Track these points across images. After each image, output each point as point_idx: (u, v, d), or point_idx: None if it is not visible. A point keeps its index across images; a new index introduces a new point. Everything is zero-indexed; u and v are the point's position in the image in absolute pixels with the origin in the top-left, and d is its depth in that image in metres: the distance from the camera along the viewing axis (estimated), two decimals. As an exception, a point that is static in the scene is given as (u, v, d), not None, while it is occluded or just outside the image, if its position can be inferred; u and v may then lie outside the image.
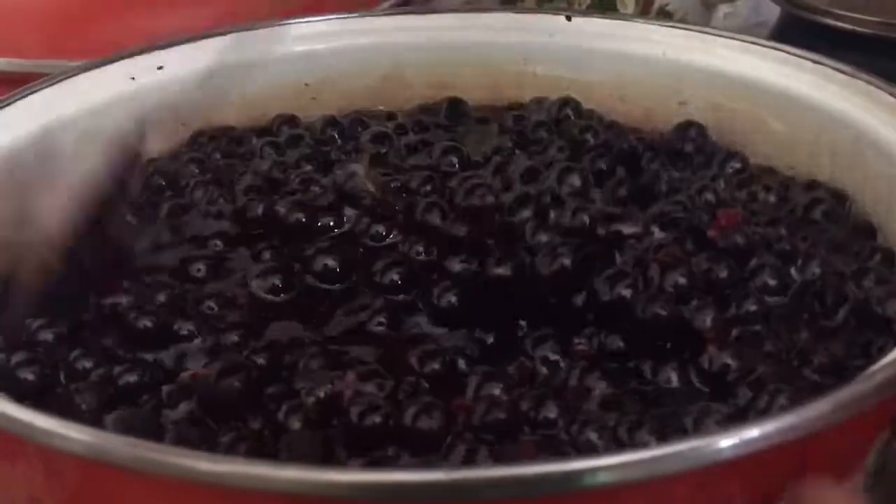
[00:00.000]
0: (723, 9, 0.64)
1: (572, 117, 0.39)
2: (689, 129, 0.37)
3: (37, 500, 0.21)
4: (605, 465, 0.18)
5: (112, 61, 0.38)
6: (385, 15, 0.43)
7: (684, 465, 0.18)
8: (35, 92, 0.35)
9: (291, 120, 0.40)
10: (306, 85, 0.42)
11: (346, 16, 0.42)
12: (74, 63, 0.38)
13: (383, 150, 0.37)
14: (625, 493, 0.18)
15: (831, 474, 0.20)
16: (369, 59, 0.42)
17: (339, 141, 0.39)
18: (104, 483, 0.19)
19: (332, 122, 0.39)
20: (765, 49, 0.36)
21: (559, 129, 0.38)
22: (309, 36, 0.42)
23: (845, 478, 0.21)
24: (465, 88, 0.42)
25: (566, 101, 0.39)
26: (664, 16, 0.57)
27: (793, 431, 0.19)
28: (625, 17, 0.43)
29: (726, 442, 0.18)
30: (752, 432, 0.18)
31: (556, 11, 0.41)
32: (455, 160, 0.35)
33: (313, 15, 0.42)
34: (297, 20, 0.42)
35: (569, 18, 0.40)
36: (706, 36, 0.38)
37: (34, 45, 0.43)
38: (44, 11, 0.45)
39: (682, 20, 0.58)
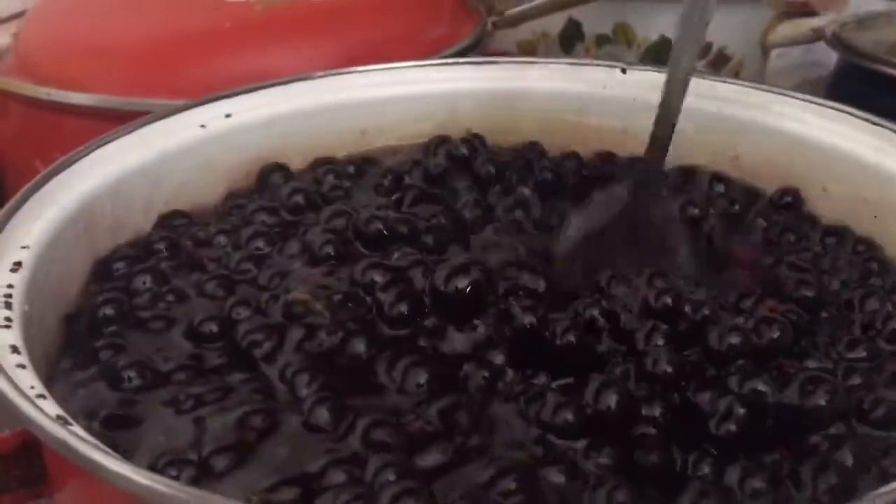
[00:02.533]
0: (777, 49, 0.64)
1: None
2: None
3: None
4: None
5: (183, 109, 0.39)
6: (441, 64, 0.44)
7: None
8: (110, 141, 0.37)
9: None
10: (363, 132, 0.43)
11: (402, 65, 0.44)
12: (162, 101, 0.40)
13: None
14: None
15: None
16: (425, 107, 0.43)
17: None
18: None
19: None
20: (824, 108, 0.37)
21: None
22: (367, 84, 0.43)
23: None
24: (521, 138, 0.43)
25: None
26: (722, 59, 0.57)
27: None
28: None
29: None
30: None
31: (611, 64, 0.42)
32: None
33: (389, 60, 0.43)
34: (355, 69, 0.43)
35: (624, 71, 0.41)
36: (763, 93, 0.38)
37: (126, 83, 0.45)
38: (135, 49, 0.47)
39: (740, 63, 0.58)
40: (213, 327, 0.30)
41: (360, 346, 0.28)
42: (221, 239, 0.35)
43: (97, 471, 0.21)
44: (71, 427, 0.22)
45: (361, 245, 0.34)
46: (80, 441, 0.21)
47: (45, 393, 0.24)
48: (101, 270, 0.34)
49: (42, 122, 0.46)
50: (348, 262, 0.32)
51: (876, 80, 0.48)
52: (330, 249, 0.33)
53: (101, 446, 0.22)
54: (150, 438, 0.26)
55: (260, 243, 0.35)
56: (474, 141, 0.40)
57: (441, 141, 0.40)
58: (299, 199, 0.37)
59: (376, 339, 0.29)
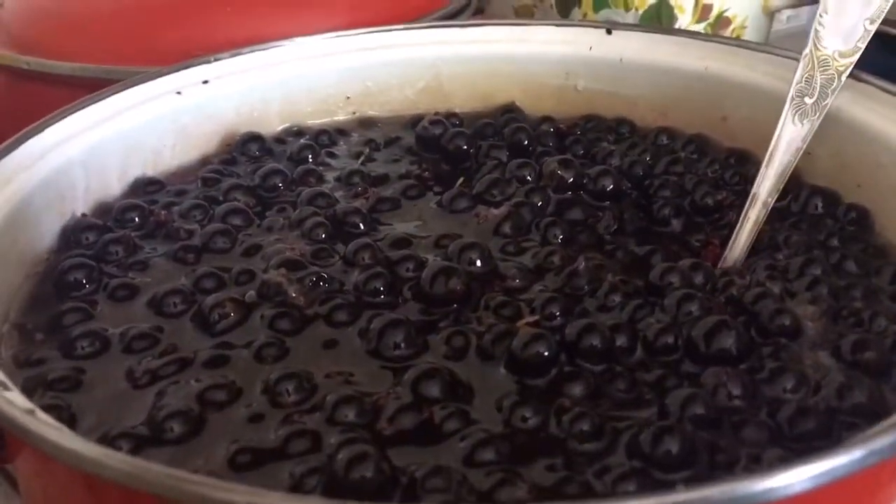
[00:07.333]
0: (786, 12, 0.62)
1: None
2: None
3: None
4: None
5: (158, 76, 0.39)
6: (426, 27, 0.43)
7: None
8: (83, 108, 0.36)
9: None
10: (348, 98, 0.42)
11: (387, 28, 0.43)
12: (142, 69, 0.39)
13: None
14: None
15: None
16: (410, 71, 0.42)
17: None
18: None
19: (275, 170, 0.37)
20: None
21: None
22: (351, 49, 0.42)
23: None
24: (506, 102, 0.42)
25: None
26: (723, 22, 0.55)
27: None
28: (667, 31, 0.42)
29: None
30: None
31: (596, 24, 0.40)
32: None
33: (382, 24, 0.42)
34: (339, 33, 0.42)
35: (609, 32, 0.40)
36: (749, 52, 0.37)
37: (107, 51, 0.44)
38: (115, 17, 0.46)
39: (742, 26, 0.56)
40: (177, 299, 0.30)
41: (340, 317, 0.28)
42: (196, 213, 0.35)
43: (27, 437, 0.20)
44: (8, 394, 0.22)
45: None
46: (15, 409, 0.21)
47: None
48: (71, 237, 0.34)
49: (24, 92, 0.46)
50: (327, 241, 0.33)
51: (882, 41, 0.46)
52: (322, 232, 0.33)
53: (41, 416, 0.21)
54: (103, 408, 0.26)
55: (237, 220, 0.34)
56: (445, 121, 0.40)
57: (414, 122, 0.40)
58: (276, 180, 0.36)
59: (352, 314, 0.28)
